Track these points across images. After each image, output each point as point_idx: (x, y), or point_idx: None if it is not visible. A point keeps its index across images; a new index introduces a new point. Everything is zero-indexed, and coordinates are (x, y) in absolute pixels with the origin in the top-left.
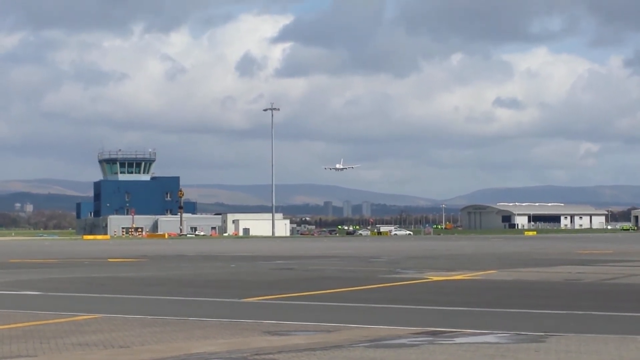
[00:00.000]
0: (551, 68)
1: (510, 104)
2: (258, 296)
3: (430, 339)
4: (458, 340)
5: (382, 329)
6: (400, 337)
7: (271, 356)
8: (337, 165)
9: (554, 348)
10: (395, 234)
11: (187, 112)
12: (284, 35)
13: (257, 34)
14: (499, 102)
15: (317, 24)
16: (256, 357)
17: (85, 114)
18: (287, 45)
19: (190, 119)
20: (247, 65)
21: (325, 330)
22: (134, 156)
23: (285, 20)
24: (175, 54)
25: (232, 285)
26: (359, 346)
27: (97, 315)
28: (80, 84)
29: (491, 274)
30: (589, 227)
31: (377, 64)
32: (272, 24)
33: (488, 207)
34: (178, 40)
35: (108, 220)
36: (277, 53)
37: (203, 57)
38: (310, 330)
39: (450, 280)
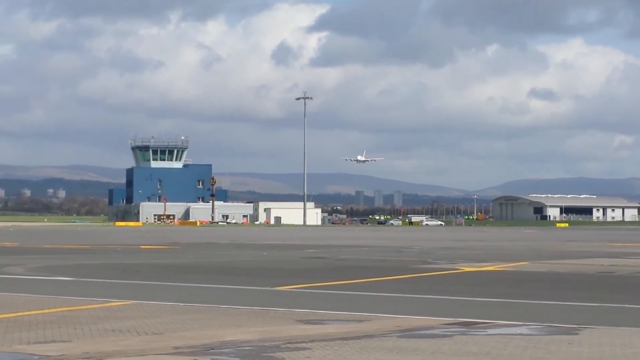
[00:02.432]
0: (587, 59)
1: (544, 95)
2: (290, 285)
3: (463, 329)
4: (490, 331)
5: (414, 319)
6: (432, 327)
7: (304, 345)
8: (359, 157)
9: (587, 340)
10: (427, 224)
11: (222, 100)
12: (319, 25)
13: (292, 23)
14: (534, 93)
15: (352, 13)
16: (289, 345)
17: (120, 101)
18: (323, 34)
19: (225, 107)
20: (283, 54)
21: (357, 319)
22: (166, 144)
23: (321, 9)
24: (211, 43)
25: (264, 273)
26: (391, 336)
27: (129, 302)
28: (116, 71)
29: (523, 265)
30: (621, 219)
31: (412, 54)
32: (308, 13)
33: (520, 198)
34: (214, 29)
35: (140, 207)
36: (313, 42)
37: (238, 45)
38: (342, 320)
39: (482, 271)
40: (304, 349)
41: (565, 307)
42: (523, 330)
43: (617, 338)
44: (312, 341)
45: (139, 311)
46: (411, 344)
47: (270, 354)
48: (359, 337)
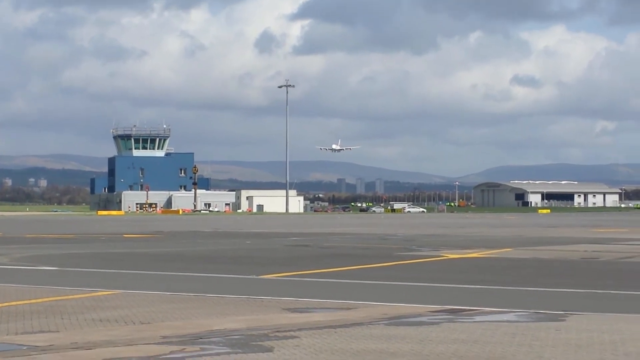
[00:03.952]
0: (569, 46)
1: (527, 82)
2: (275, 273)
3: (450, 317)
4: (478, 318)
5: (401, 307)
6: (419, 314)
7: (292, 333)
8: (334, 146)
9: (575, 327)
10: (409, 211)
11: (204, 88)
12: (303, 12)
13: (276, 10)
14: (517, 80)
15: (336, 1)
16: (277, 333)
17: (103, 90)
18: (306, 22)
19: (207, 96)
20: (266, 42)
21: (345, 307)
22: (148, 132)
23: None
24: (194, 31)
25: (249, 261)
26: (379, 324)
27: (116, 291)
28: (99, 60)
29: (507, 252)
30: (602, 205)
31: (395, 42)
32: (292, 1)
33: (501, 185)
34: (197, 17)
35: (122, 196)
36: (296, 30)
37: (222, 34)
38: (329, 308)
39: (466, 258)
40: (292, 337)
41: (551, 293)
42: (510, 317)
43: (604, 324)
44: (300, 329)
45: (126, 301)
46: (399, 331)
47: (259, 343)
48: (346, 325)
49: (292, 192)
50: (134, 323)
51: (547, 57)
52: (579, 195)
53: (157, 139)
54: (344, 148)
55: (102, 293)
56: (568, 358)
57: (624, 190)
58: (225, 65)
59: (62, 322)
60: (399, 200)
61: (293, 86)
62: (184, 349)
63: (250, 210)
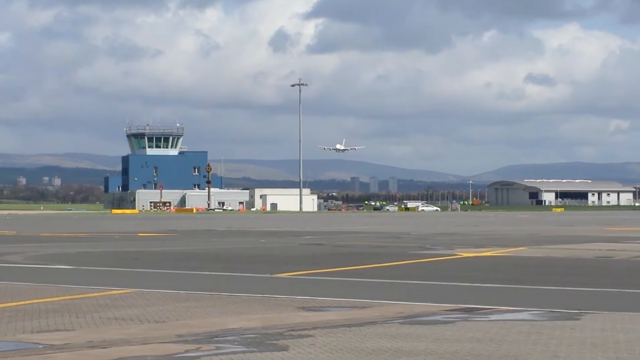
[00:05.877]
0: (582, 44)
1: (541, 81)
2: (290, 272)
3: (465, 315)
4: (493, 317)
5: (416, 306)
6: (434, 313)
7: (307, 332)
8: (338, 146)
9: (589, 326)
10: (423, 210)
11: (218, 87)
12: (316, 11)
13: (290, 9)
14: (530, 78)
15: None
16: (292, 332)
17: (117, 89)
18: (320, 21)
19: (221, 94)
20: (280, 41)
21: (359, 306)
22: (161, 131)
23: None
24: (208, 30)
25: (263, 260)
26: (393, 322)
27: (131, 290)
28: (113, 59)
29: (521, 250)
30: (616, 204)
31: (409, 40)
32: (305, 0)
33: (515, 183)
34: (212, 16)
35: (136, 194)
36: (310, 29)
37: (236, 33)
38: (344, 307)
39: (480, 256)
40: (307, 336)
41: (566, 292)
42: (525, 315)
43: (619, 323)
44: (315, 328)
45: (141, 299)
46: (414, 330)
47: (274, 342)
48: (361, 324)
49: (306, 191)
50: (149, 322)
51: (561, 55)
52: (593, 194)
53: (171, 138)
54: (348, 148)
55: (117, 292)
56: (583, 357)
57: (638, 188)
58: (239, 64)
59: (77, 320)
60: (413, 199)
61: (306, 85)
62: (199, 347)
63: (264, 209)
